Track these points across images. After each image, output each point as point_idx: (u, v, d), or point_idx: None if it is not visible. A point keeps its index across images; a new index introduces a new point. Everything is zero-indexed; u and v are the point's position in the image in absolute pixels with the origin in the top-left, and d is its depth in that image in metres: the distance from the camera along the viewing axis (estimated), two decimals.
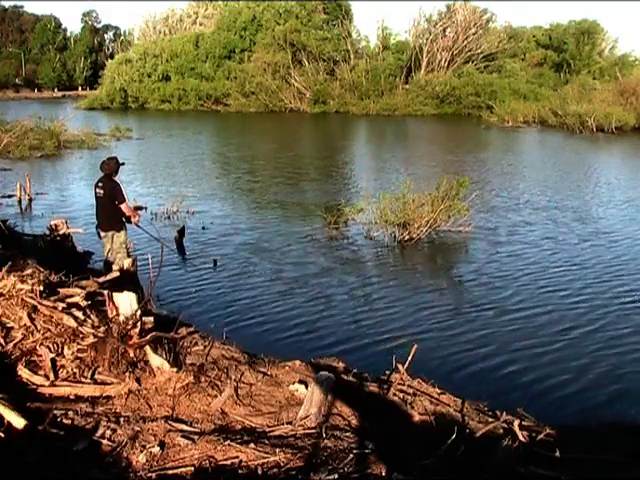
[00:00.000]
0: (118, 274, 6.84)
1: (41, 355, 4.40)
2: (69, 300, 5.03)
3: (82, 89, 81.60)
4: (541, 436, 3.92)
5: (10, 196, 14.52)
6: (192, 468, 3.31)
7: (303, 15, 52.56)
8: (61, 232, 8.98)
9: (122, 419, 3.79)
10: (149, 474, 3.26)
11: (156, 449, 3.46)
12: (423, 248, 11.19)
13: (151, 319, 4.76)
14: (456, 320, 7.68)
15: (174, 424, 3.75)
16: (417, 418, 4.08)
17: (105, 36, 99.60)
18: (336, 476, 3.24)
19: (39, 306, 4.83)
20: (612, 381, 6.11)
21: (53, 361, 4.34)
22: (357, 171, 21.03)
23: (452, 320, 7.68)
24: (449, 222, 11.60)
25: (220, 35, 54.86)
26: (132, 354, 4.41)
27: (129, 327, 4.50)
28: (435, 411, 4.17)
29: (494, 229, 12.39)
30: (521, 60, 56.14)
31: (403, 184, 11.88)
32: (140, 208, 12.95)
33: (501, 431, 3.99)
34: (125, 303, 4.68)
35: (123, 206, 7.98)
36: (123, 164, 8.33)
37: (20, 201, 14.32)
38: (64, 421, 3.73)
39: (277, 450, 3.45)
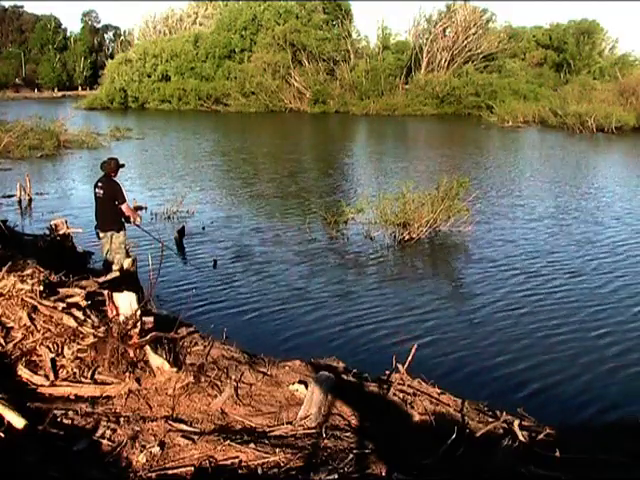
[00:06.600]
0: (118, 274, 6.85)
1: (41, 355, 4.40)
2: (69, 300, 5.03)
3: (82, 89, 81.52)
4: (541, 436, 3.92)
5: (10, 196, 14.53)
6: (192, 468, 3.31)
7: (303, 15, 52.60)
8: (61, 232, 8.97)
9: (122, 419, 3.79)
10: (149, 474, 3.26)
11: (156, 449, 3.46)
12: (423, 248, 11.19)
13: (151, 319, 4.76)
14: (456, 320, 7.68)
15: (174, 424, 3.75)
16: (417, 418, 4.08)
17: (105, 36, 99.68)
18: (336, 476, 3.23)
19: (39, 306, 4.83)
20: (612, 381, 6.11)
21: (53, 361, 4.34)
22: (357, 171, 21.03)
23: (452, 320, 7.68)
24: (449, 222, 11.60)
25: (220, 35, 54.86)
26: (132, 354, 4.41)
27: (129, 327, 4.50)
28: (435, 411, 4.17)
29: (494, 229, 12.38)
30: (521, 60, 56.25)
31: (403, 184, 11.88)
32: (140, 208, 12.96)
33: (501, 431, 3.99)
34: (125, 303, 4.68)
35: (123, 206, 7.96)
36: (123, 166, 8.29)
37: (20, 201, 14.32)
38: (64, 421, 3.73)
39: (277, 450, 3.45)
